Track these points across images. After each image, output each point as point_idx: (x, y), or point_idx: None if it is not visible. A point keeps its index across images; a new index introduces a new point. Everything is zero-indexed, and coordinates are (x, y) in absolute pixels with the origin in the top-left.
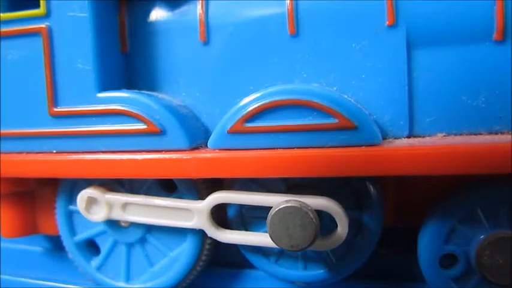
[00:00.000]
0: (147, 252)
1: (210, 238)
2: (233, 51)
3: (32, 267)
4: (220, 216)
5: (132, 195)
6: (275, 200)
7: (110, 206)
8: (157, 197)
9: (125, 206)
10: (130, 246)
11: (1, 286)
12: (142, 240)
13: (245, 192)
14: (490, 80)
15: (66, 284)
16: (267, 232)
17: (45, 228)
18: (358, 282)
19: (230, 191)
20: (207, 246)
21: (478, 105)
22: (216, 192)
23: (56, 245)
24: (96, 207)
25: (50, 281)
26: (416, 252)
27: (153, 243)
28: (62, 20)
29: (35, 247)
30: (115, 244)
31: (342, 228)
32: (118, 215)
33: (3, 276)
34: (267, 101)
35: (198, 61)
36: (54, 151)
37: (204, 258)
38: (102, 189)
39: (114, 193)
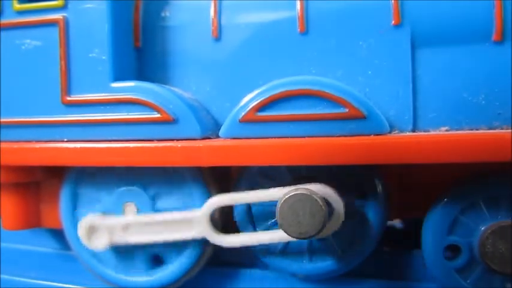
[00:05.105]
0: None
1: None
2: (244, 47)
3: (36, 267)
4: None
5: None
6: (274, 194)
7: (110, 230)
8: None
9: (126, 227)
10: None
11: (1, 286)
12: None
13: (241, 192)
14: (489, 79)
15: (71, 284)
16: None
17: (49, 222)
18: (358, 281)
19: (226, 193)
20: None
21: (478, 102)
22: (212, 197)
23: (61, 244)
24: (97, 233)
25: (54, 282)
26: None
27: None
28: (79, 12)
29: (38, 247)
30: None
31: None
32: (120, 238)
33: (4, 276)
34: (279, 90)
35: (209, 57)
36: (65, 139)
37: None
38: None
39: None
